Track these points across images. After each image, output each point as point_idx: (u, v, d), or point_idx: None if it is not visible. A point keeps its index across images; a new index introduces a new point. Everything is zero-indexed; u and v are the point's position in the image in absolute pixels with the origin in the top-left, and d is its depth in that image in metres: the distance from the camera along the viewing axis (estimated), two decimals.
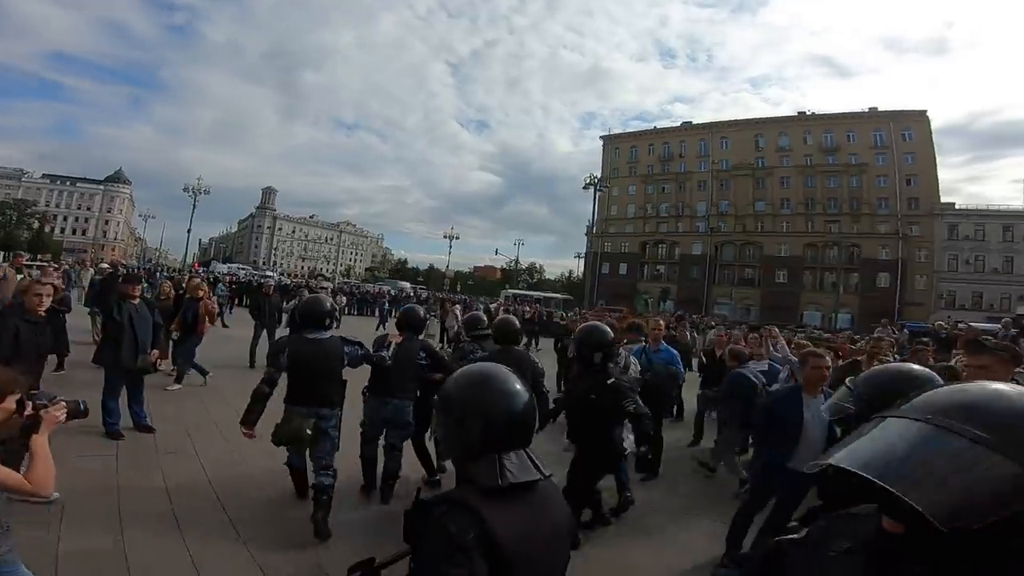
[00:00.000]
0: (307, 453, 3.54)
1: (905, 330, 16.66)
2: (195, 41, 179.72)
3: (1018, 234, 45.84)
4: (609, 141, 65.27)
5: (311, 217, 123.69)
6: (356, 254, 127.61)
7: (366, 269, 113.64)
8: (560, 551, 1.19)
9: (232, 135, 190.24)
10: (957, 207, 48.33)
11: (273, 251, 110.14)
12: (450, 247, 56.01)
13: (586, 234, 64.04)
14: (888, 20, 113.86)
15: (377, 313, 23.31)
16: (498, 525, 1.03)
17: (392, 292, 34.98)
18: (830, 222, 51.60)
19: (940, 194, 48.94)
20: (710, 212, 56.61)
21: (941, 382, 1.20)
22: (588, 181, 38.91)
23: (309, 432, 3.33)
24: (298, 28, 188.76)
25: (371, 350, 3.92)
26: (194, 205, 46.09)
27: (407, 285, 52.56)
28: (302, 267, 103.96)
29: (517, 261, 61.48)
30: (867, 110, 51.69)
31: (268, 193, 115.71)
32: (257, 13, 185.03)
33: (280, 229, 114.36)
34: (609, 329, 3.69)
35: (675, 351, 6.07)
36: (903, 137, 49.40)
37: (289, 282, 37.34)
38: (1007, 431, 0.63)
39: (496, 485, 1.08)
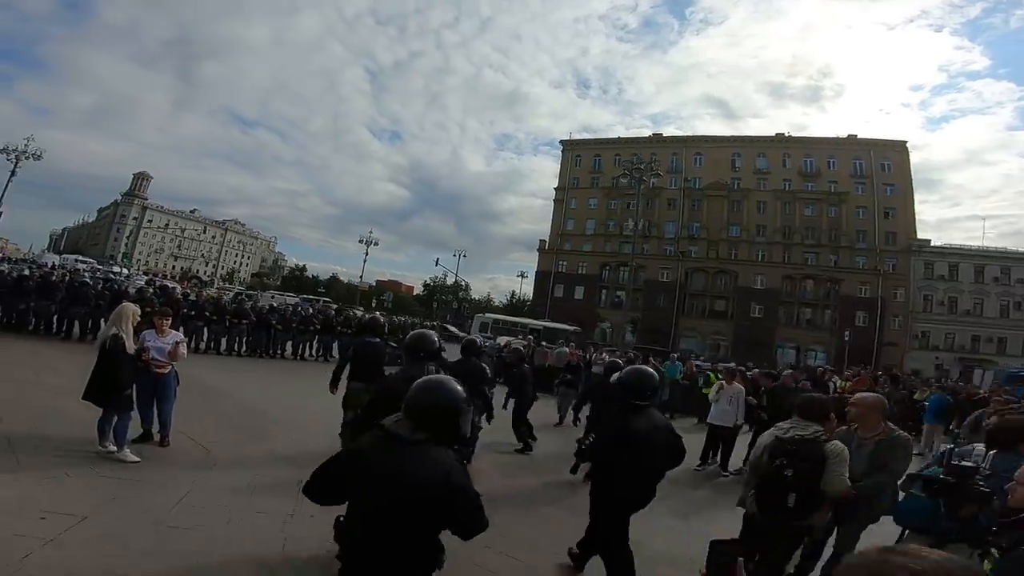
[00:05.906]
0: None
1: None
2: (88, 19, 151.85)
3: (988, 275, 44.21)
4: (570, 148, 58.05)
5: (192, 211, 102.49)
6: (243, 256, 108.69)
7: (253, 274, 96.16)
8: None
9: (109, 120, 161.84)
10: (932, 244, 46.03)
11: (136, 245, 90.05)
12: (366, 254, 46.19)
13: (539, 250, 56.13)
14: (776, 66, 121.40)
15: (319, 350, 14.93)
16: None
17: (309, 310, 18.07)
18: (808, 253, 47.55)
19: (917, 230, 46.45)
20: (680, 235, 50.91)
21: None
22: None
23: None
24: (208, 16, 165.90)
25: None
26: (13, 171, 33.22)
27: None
28: (174, 266, 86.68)
29: (456, 276, 51.59)
30: (846, 136, 48.71)
31: (140, 179, 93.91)
32: None
33: (150, 221, 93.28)
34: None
35: None
36: (882, 168, 46.68)
37: (154, 284, 24.04)
38: None
39: None
